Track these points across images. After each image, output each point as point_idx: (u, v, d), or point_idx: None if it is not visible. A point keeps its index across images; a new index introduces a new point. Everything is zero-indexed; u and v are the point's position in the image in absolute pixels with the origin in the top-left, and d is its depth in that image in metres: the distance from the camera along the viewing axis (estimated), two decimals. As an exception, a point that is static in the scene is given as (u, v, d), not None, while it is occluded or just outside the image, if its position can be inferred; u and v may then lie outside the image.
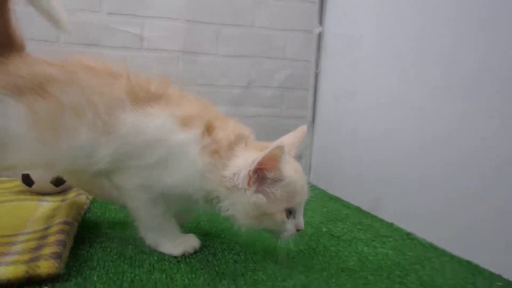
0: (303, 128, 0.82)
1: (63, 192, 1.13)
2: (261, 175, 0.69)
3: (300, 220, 0.75)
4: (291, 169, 0.72)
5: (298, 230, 0.75)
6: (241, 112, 1.45)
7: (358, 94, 1.30)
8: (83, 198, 1.04)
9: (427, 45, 1.01)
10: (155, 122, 0.71)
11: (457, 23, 0.92)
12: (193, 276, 0.71)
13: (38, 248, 0.72)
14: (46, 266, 0.64)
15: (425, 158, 1.01)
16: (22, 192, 1.12)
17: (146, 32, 1.35)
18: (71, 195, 1.08)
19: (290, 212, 0.73)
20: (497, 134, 0.82)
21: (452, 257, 0.89)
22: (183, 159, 0.71)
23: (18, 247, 0.73)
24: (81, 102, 0.69)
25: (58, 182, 1.10)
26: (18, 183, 1.14)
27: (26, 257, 0.68)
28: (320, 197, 1.36)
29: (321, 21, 1.49)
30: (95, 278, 0.68)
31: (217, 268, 0.75)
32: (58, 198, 1.08)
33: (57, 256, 0.68)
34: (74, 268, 0.71)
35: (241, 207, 0.71)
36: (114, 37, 1.32)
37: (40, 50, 1.21)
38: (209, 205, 0.75)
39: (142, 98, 0.72)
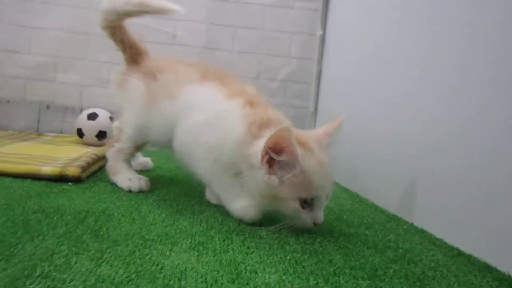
0: (340, 118, 0.82)
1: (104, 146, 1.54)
2: (273, 156, 0.72)
3: (318, 214, 0.74)
4: (312, 159, 0.73)
5: (315, 224, 0.75)
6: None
7: (355, 88, 1.44)
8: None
9: (417, 45, 1.04)
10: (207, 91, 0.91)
11: (456, 24, 0.88)
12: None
13: (71, 163, 1.09)
14: (72, 171, 1.02)
15: (418, 143, 0.98)
16: (76, 143, 1.54)
17: (178, 31, 1.73)
18: (107, 147, 1.48)
19: (305, 202, 0.73)
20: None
21: (382, 211, 1.06)
22: (226, 122, 0.83)
23: (60, 162, 1.12)
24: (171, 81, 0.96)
25: (100, 137, 1.50)
26: (75, 137, 1.56)
27: (62, 164, 1.06)
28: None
29: (323, 25, 1.74)
30: (102, 185, 1.03)
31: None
32: (97, 149, 1.48)
33: (80, 167, 1.05)
34: (92, 180, 1.07)
35: (256, 185, 0.75)
36: (154, 34, 1.72)
37: (100, 41, 1.66)
38: (236, 178, 0.81)
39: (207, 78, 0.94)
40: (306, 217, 0.74)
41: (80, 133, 1.51)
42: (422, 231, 0.90)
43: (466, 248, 0.77)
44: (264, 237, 0.75)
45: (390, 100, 1.16)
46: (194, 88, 0.93)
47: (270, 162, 0.73)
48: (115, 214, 0.80)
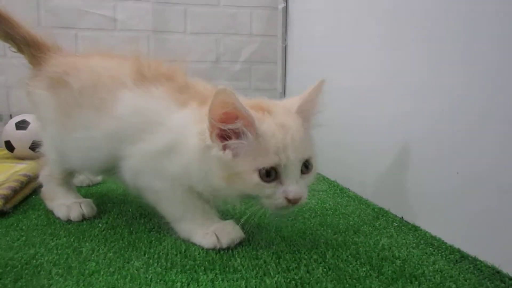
0: (320, 81, 0.66)
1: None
2: (220, 126, 0.59)
3: (290, 187, 0.59)
4: (271, 122, 0.60)
5: (289, 201, 0.59)
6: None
7: (325, 65, 1.29)
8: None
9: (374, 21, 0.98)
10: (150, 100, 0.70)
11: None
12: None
13: (-7, 191, 0.86)
14: (-8, 203, 0.78)
15: (393, 132, 0.90)
16: (7, 157, 1.28)
17: (118, 14, 1.47)
18: (45, 159, 1.23)
19: (268, 175, 0.59)
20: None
21: (368, 204, 0.93)
22: (185, 143, 0.65)
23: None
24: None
25: (35, 147, 1.25)
26: (5, 151, 1.30)
27: (-19, 196, 0.82)
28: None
29: (285, -4, 1.55)
30: (33, 216, 0.81)
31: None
32: (30, 166, 1.23)
33: (3, 197, 0.82)
34: (21, 209, 0.85)
35: (210, 169, 0.61)
36: (90, 20, 1.45)
37: None
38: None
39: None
40: (272, 192, 0.59)
41: (9, 146, 1.25)
42: (415, 229, 0.78)
43: (470, 250, 0.66)
44: (239, 269, 0.59)
45: (367, 76, 1.01)
46: (131, 96, 0.70)
47: (222, 137, 0.60)
48: (45, 263, 0.60)
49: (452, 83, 0.71)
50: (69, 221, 0.78)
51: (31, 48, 0.83)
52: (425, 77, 0.78)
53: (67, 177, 0.85)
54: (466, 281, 0.57)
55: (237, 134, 0.59)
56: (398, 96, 0.88)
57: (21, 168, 1.10)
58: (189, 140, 0.63)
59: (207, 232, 0.66)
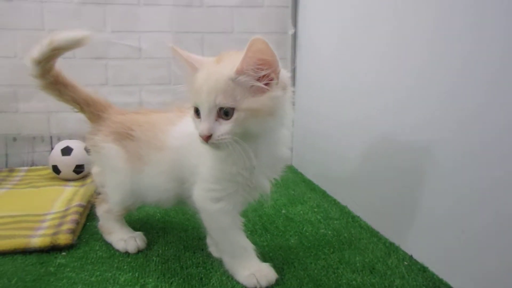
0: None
1: (83, 178, 1.48)
2: None
3: (200, 125, 0.72)
4: (205, 71, 0.73)
5: (200, 136, 0.72)
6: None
7: (331, 85, 1.45)
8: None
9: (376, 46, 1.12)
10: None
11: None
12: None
13: (59, 225, 1.06)
14: (64, 238, 0.98)
15: (398, 144, 1.03)
16: (52, 178, 1.48)
17: (143, 44, 1.62)
18: (88, 181, 1.42)
19: (196, 113, 0.74)
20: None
21: (379, 237, 1.06)
22: None
23: (46, 224, 1.08)
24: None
25: (78, 170, 1.44)
26: (50, 171, 1.49)
27: (51, 231, 1.02)
28: (293, 180, 1.59)
29: (294, 23, 1.68)
30: (97, 247, 1.01)
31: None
32: (78, 183, 1.43)
33: (71, 231, 1.02)
34: (84, 239, 1.05)
35: None
36: (117, 50, 1.61)
37: (62, 64, 1.56)
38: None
39: None
40: (198, 127, 0.73)
41: (56, 170, 1.44)
42: (424, 269, 0.89)
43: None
44: None
45: (368, 98, 1.17)
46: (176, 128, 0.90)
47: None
48: None
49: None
50: (126, 253, 0.98)
51: (90, 107, 1.00)
52: (444, 106, 0.85)
53: (125, 213, 1.03)
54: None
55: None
56: (408, 126, 0.99)
57: (71, 195, 1.29)
58: None
59: (249, 274, 0.82)
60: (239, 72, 0.69)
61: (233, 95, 0.70)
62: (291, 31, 1.68)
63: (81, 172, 1.45)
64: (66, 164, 1.43)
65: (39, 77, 0.94)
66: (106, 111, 1.00)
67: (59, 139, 1.62)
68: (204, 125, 0.70)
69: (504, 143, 0.71)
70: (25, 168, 1.60)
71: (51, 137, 1.64)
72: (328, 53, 1.46)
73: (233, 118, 0.70)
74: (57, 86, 0.97)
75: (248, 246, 0.86)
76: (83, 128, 1.60)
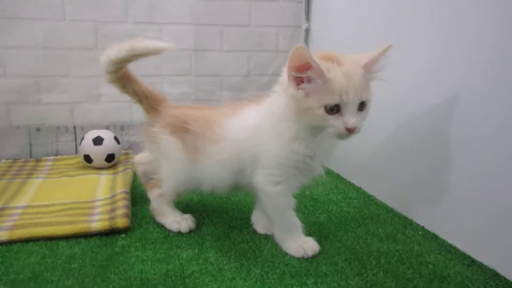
0: (387, 45, 0.83)
1: (113, 166, 1.54)
2: (295, 75, 0.79)
3: (348, 119, 0.78)
4: (338, 71, 0.78)
5: (348, 130, 0.79)
6: (242, 96, 1.80)
7: None
8: (130, 172, 1.45)
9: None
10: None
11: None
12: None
13: (112, 210, 1.13)
14: (121, 222, 1.06)
15: (409, 130, 1.14)
16: (83, 167, 1.53)
17: (164, 36, 1.67)
18: (120, 169, 1.49)
19: (331, 109, 0.78)
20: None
21: (394, 212, 1.19)
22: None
23: (99, 210, 1.15)
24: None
25: (109, 159, 1.50)
26: (79, 159, 1.54)
27: (106, 216, 1.10)
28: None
29: (307, 17, 1.77)
30: (151, 229, 1.09)
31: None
32: (110, 171, 1.49)
33: (126, 215, 1.09)
34: (136, 223, 1.12)
35: (288, 103, 0.83)
36: (139, 41, 1.65)
37: (82, 56, 1.62)
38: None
39: None
40: (335, 122, 0.79)
41: (88, 159, 1.49)
42: (435, 237, 1.04)
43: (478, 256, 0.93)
44: (328, 274, 0.86)
45: (380, 86, 1.27)
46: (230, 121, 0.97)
47: (297, 81, 0.80)
48: (195, 273, 0.87)
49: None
50: (179, 233, 1.07)
51: (148, 99, 1.08)
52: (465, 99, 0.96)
53: (175, 199, 1.11)
54: (476, 280, 0.83)
55: (309, 80, 0.79)
56: (419, 112, 1.10)
57: (111, 183, 1.36)
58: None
59: (297, 246, 0.94)
60: (366, 69, 0.82)
61: (368, 90, 0.83)
62: (304, 26, 1.78)
63: (112, 160, 1.51)
64: (98, 153, 1.48)
65: (111, 73, 1.01)
66: (162, 104, 1.07)
67: (83, 129, 1.66)
68: (353, 120, 0.79)
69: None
70: (51, 157, 1.64)
71: (74, 126, 1.67)
72: (339, 46, 1.53)
73: (366, 109, 0.83)
74: (123, 80, 1.04)
75: (298, 223, 0.97)
76: (106, 118, 1.68)
